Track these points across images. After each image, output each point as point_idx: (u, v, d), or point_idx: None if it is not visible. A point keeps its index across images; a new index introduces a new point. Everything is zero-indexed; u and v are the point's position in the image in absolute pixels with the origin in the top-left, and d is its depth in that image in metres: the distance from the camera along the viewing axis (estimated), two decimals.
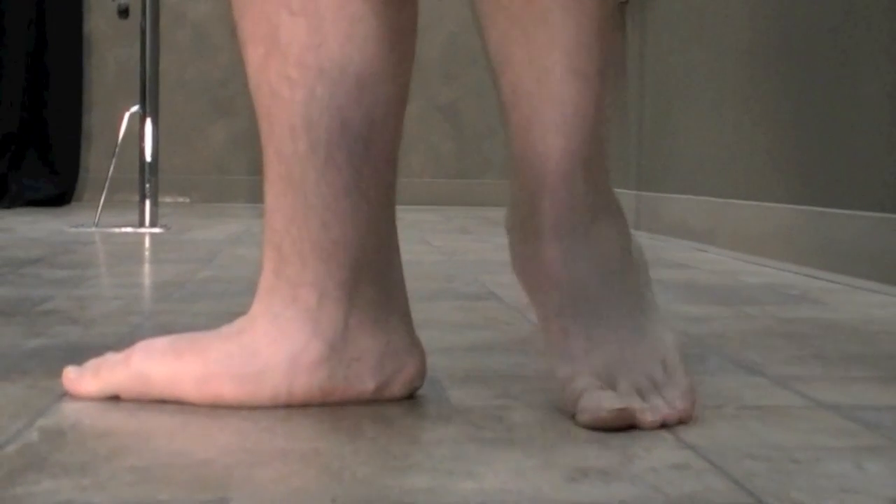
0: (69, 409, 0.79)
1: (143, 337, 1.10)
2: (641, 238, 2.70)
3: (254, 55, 0.81)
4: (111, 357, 0.83)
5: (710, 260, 2.11)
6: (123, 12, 2.87)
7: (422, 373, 0.84)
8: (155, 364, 0.80)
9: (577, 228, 0.80)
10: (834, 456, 0.69)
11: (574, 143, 0.79)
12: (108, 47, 4.42)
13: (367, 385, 0.81)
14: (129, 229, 2.69)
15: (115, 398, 0.81)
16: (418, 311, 1.25)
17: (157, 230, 2.70)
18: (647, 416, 0.75)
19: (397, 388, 0.83)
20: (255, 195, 4.42)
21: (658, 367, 0.79)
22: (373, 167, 0.81)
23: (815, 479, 0.64)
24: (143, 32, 2.80)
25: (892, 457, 0.69)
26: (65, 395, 0.83)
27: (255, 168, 4.40)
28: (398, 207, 0.87)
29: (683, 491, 0.61)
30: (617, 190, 3.28)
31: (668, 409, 0.76)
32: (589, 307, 0.80)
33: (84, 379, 0.82)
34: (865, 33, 1.81)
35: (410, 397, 0.84)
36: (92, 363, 0.83)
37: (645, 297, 0.83)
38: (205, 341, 0.81)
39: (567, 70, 0.78)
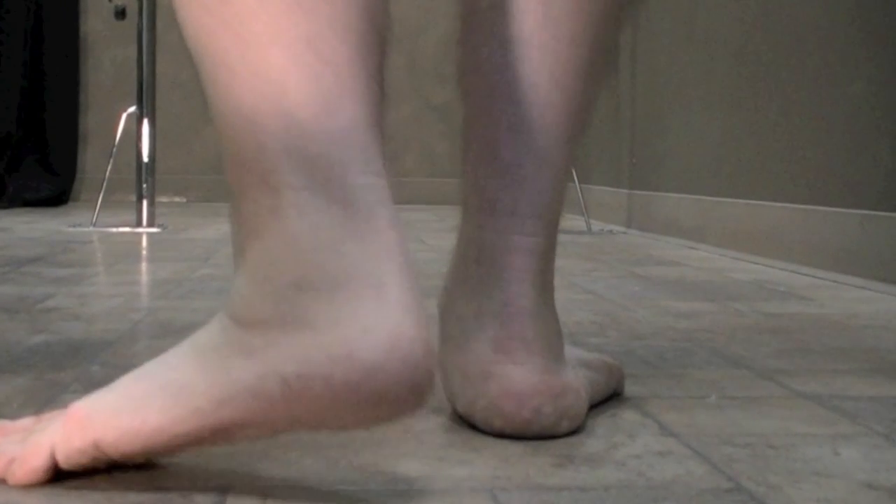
0: (72, 399, 0.81)
1: (143, 332, 1.13)
2: (633, 236, 2.73)
3: None
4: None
5: (700, 257, 2.13)
6: (120, 13, 2.89)
7: None
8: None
9: None
10: (811, 442, 0.72)
11: None
12: (105, 48, 4.44)
13: None
14: (126, 229, 2.72)
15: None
16: None
17: (154, 230, 2.72)
18: None
19: None
20: None
21: None
22: None
23: (791, 463, 0.67)
24: (139, 34, 2.81)
25: (867, 443, 0.72)
26: (69, 387, 0.85)
27: None
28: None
29: (665, 476, 0.64)
30: (609, 188, 3.30)
31: None
32: None
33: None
34: (852, 35, 1.83)
35: None
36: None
37: None
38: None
39: None
